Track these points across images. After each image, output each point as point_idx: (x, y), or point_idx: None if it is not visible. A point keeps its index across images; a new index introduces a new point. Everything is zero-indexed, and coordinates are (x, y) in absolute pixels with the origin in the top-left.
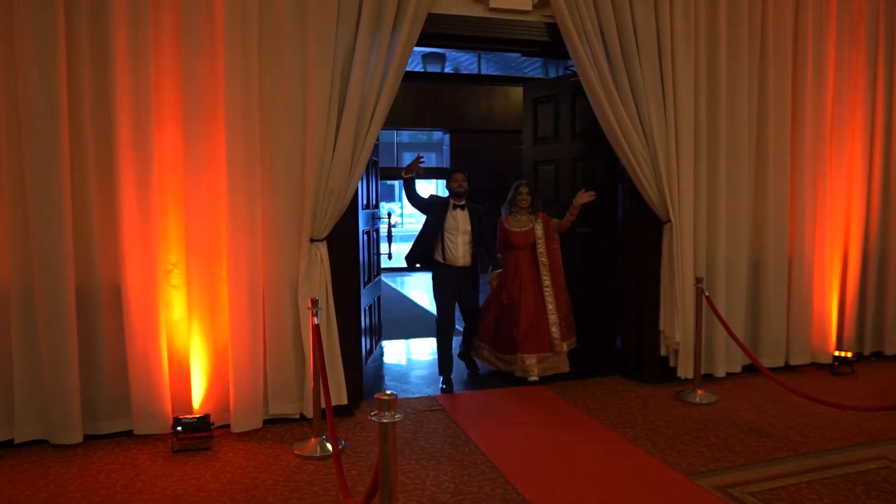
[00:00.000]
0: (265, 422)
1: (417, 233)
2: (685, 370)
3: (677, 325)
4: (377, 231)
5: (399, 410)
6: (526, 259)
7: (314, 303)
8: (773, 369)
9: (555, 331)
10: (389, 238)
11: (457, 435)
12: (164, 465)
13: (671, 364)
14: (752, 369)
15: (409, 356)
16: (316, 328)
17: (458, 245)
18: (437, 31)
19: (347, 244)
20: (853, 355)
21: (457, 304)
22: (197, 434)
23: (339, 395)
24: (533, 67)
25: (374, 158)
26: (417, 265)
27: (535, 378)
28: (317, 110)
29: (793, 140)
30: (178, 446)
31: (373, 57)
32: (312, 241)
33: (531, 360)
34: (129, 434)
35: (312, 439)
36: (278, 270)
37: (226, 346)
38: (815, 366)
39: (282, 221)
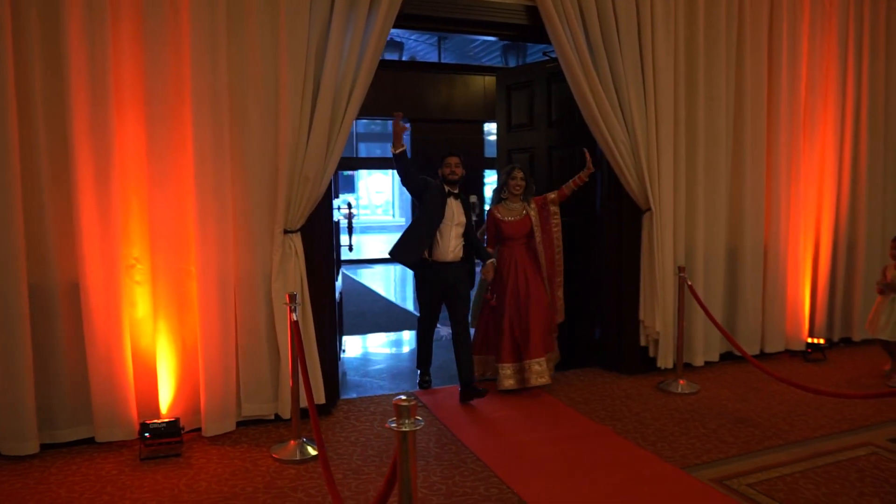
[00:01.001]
0: (238, 424)
1: (408, 225)
2: (665, 360)
3: (657, 315)
4: (338, 223)
5: (419, 418)
6: (522, 251)
7: (292, 298)
8: None
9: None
10: (350, 230)
11: (441, 433)
12: (132, 474)
13: (651, 354)
14: (728, 357)
15: (379, 351)
16: (295, 325)
17: (451, 238)
18: (414, 13)
19: (322, 235)
20: (824, 342)
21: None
22: (166, 440)
23: (318, 395)
24: (491, 57)
25: None
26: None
27: (545, 381)
28: (290, 94)
29: (768, 129)
30: (146, 453)
31: (348, 38)
32: (286, 232)
33: (541, 364)
34: (90, 442)
35: (292, 442)
36: (250, 264)
37: (195, 345)
38: (789, 353)
39: (254, 212)
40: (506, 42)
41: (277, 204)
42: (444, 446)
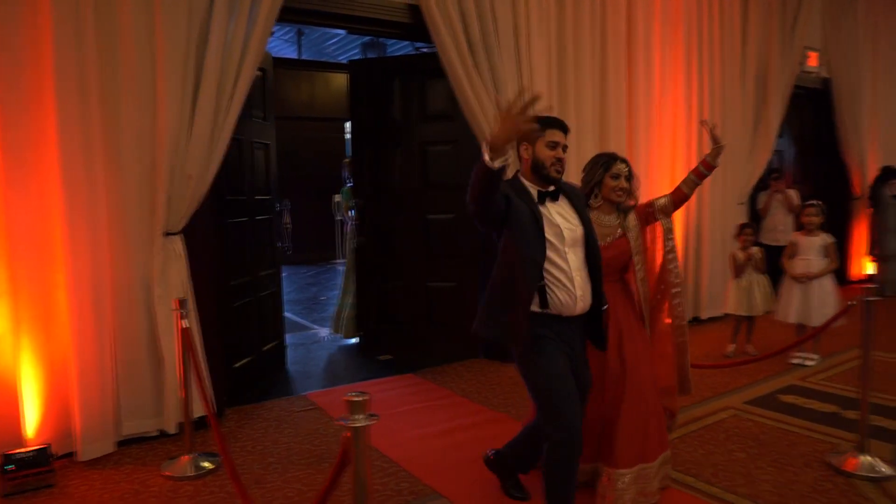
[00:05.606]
0: (118, 444)
1: (490, 282)
2: None
3: None
4: (270, 222)
5: (375, 414)
6: (616, 293)
7: (181, 303)
8: None
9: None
10: (288, 231)
11: (342, 433)
12: None
13: None
14: None
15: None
16: (186, 331)
17: (573, 272)
18: (298, 6)
19: (207, 236)
20: None
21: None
22: (35, 470)
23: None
24: (349, 54)
25: (267, 142)
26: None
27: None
28: (169, 84)
29: (629, 129)
30: (10, 489)
31: (231, 26)
32: (167, 234)
33: (624, 480)
34: None
35: (184, 457)
36: (128, 270)
37: (65, 361)
38: None
39: (131, 213)
40: (365, 39)
41: (157, 204)
42: None
